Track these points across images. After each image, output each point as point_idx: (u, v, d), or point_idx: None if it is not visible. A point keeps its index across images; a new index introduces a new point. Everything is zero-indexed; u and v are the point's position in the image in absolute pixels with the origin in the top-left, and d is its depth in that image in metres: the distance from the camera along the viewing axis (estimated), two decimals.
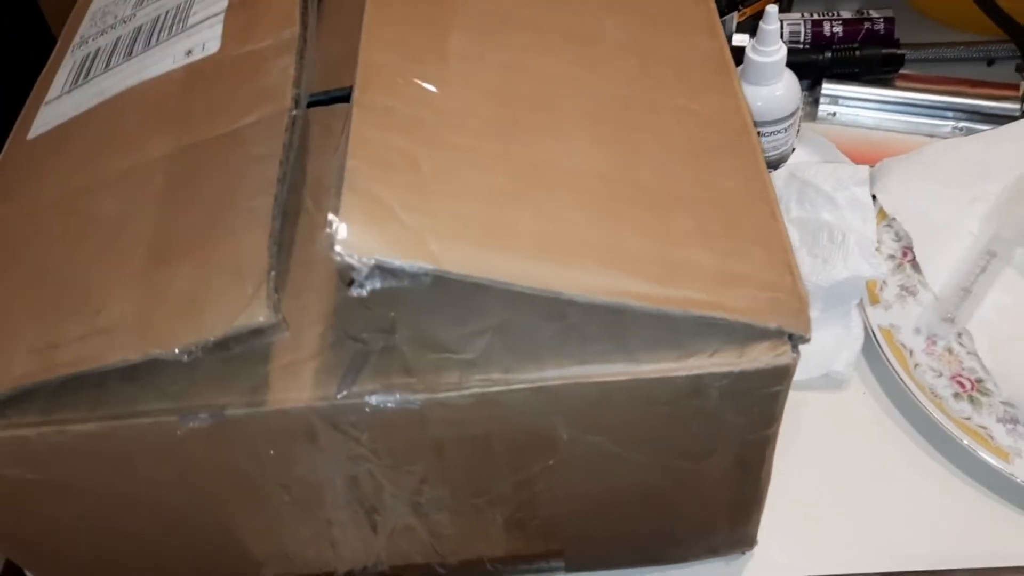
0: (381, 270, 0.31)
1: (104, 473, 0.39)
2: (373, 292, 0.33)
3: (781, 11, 0.74)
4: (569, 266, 0.34)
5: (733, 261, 0.36)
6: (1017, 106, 0.65)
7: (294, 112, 0.39)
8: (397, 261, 0.31)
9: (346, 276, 0.32)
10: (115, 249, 0.37)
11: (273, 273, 0.34)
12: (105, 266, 0.37)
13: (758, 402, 0.37)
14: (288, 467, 0.39)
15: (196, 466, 0.39)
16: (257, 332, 0.33)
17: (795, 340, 0.36)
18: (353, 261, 0.31)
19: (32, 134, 0.46)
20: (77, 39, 0.51)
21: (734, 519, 0.46)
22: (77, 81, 0.47)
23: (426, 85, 0.38)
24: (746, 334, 0.36)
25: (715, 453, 0.40)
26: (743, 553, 0.49)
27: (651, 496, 0.42)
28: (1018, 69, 0.69)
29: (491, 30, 0.42)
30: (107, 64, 0.47)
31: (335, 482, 0.40)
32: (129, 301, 0.35)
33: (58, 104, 0.47)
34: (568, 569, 0.48)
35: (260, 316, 0.33)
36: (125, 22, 0.49)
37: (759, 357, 0.35)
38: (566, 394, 0.36)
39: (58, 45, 0.53)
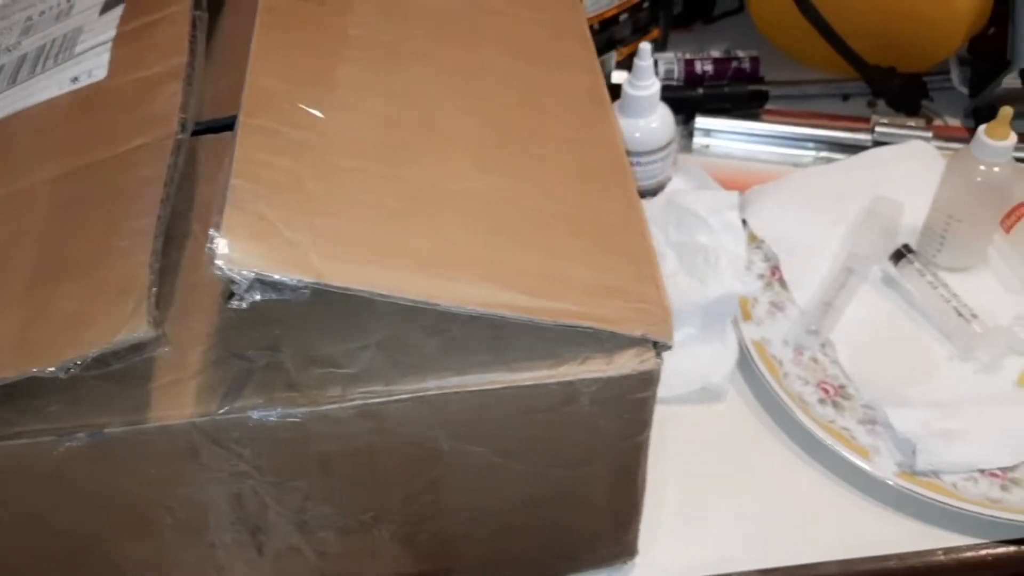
0: (261, 283, 0.33)
1: None
2: (257, 310, 0.34)
3: (657, 50, 0.79)
4: (448, 279, 0.36)
5: (605, 275, 0.39)
6: (869, 137, 0.70)
7: (180, 136, 0.40)
8: (277, 274, 0.33)
9: (227, 290, 0.33)
10: None
11: (155, 290, 0.34)
12: None
13: (628, 408, 0.39)
14: (171, 487, 0.39)
15: (77, 490, 0.38)
16: (137, 347, 0.34)
17: (659, 347, 0.38)
18: (233, 274, 0.32)
19: None
20: None
21: (615, 528, 0.48)
22: None
23: (313, 110, 0.39)
24: (615, 343, 0.38)
25: (592, 461, 0.42)
26: (625, 563, 0.51)
27: (535, 507, 0.44)
28: (869, 104, 0.75)
29: (381, 60, 0.43)
30: None
31: (219, 502, 0.40)
32: (9, 321, 0.35)
33: None
34: None
35: (140, 331, 0.33)
36: (10, 51, 0.49)
37: (626, 363, 0.37)
38: (445, 404, 0.37)
39: None
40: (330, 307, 0.39)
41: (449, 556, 0.46)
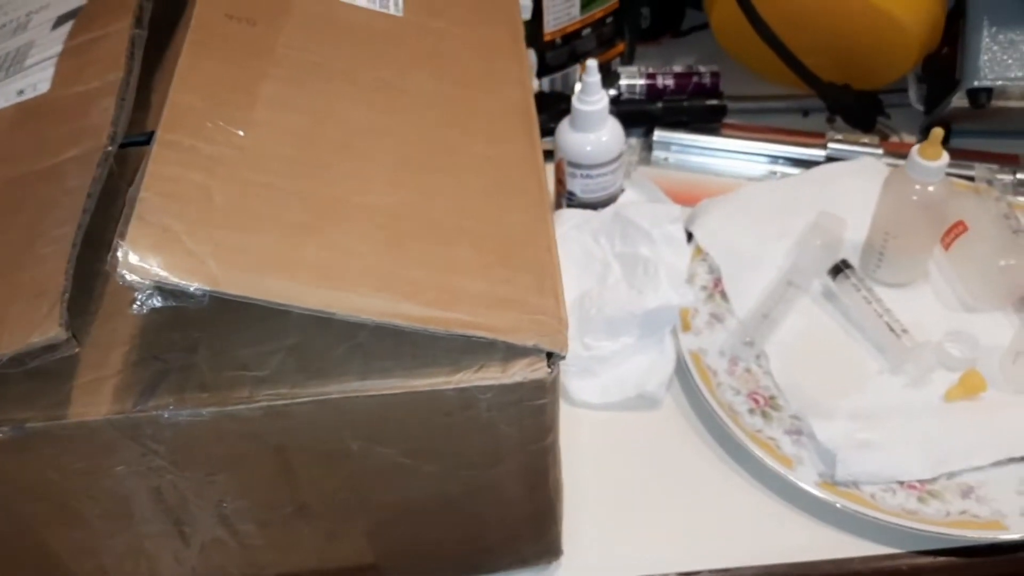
0: (161, 290, 0.35)
1: None
2: (179, 314, 0.36)
3: (623, 64, 0.81)
4: (345, 290, 0.38)
5: (504, 287, 0.41)
6: (823, 152, 0.72)
7: (108, 148, 0.42)
8: (176, 281, 0.35)
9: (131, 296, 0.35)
10: None
11: (67, 295, 0.36)
12: None
13: (528, 414, 0.41)
14: (94, 480, 0.41)
15: (5, 480, 0.41)
16: (49, 348, 0.36)
17: (554, 358, 0.40)
18: (133, 281, 0.34)
19: None
20: None
21: (535, 529, 0.49)
22: None
23: (231, 127, 0.42)
24: (511, 352, 0.40)
25: (500, 463, 0.43)
26: (550, 563, 0.52)
27: (451, 506, 0.46)
28: (828, 120, 0.76)
29: (304, 79, 0.45)
30: None
31: (140, 494, 0.42)
32: None
33: None
34: None
35: (51, 333, 0.35)
36: None
37: (518, 372, 0.39)
38: (348, 407, 0.39)
39: None
40: (248, 313, 0.41)
41: (374, 551, 0.48)
